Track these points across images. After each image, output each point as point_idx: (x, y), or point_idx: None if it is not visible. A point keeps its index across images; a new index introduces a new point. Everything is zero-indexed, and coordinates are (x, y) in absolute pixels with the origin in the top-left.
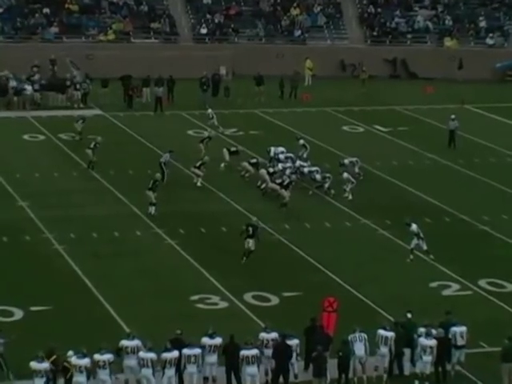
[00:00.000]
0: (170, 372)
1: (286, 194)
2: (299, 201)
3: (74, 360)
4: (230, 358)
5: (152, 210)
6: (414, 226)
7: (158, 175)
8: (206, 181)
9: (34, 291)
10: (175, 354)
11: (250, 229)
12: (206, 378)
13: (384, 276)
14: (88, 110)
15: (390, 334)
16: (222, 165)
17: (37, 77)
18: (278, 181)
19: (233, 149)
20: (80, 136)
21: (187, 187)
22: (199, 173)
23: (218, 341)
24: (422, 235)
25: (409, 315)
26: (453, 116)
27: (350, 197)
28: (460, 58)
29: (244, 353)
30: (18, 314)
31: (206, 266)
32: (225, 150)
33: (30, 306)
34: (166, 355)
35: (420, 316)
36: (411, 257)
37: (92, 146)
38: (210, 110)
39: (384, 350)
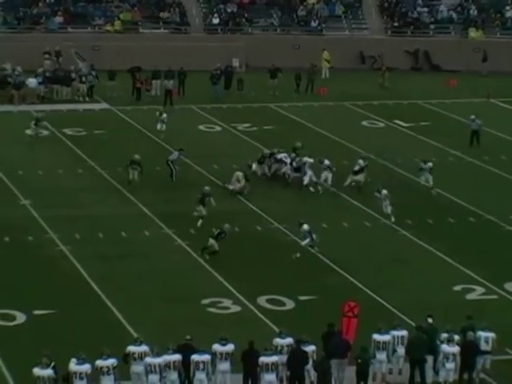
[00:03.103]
0: (173, 376)
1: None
2: (316, 200)
3: (73, 366)
4: (249, 365)
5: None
6: (305, 226)
7: (207, 189)
8: (218, 179)
9: (37, 294)
10: (177, 357)
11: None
12: None
13: (405, 279)
14: (94, 104)
15: (403, 333)
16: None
17: (40, 69)
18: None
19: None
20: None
21: (197, 185)
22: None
23: (230, 348)
24: (314, 236)
25: (430, 320)
26: (473, 116)
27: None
28: (485, 49)
29: (263, 360)
30: (21, 317)
31: (218, 268)
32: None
33: (32, 309)
34: (166, 357)
35: (443, 321)
36: (298, 255)
37: (128, 163)
38: (165, 115)
39: (400, 350)
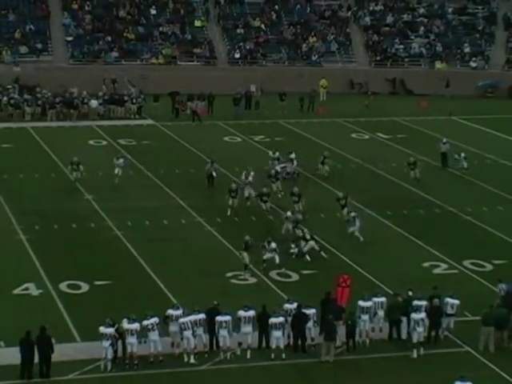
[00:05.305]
0: (199, 331)
1: None
2: (315, 196)
3: (125, 325)
4: (262, 325)
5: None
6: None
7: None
8: (239, 178)
9: (97, 269)
10: (201, 316)
11: (243, 245)
12: (239, 343)
13: (385, 257)
14: (142, 120)
15: (382, 299)
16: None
17: (100, 93)
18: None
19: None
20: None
21: (223, 185)
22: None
23: (251, 313)
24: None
25: (410, 293)
26: (444, 140)
27: None
28: (448, 78)
29: (272, 320)
30: (85, 287)
31: (239, 248)
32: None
33: (94, 280)
34: (192, 317)
35: (415, 290)
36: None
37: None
38: (121, 160)
39: (380, 313)
